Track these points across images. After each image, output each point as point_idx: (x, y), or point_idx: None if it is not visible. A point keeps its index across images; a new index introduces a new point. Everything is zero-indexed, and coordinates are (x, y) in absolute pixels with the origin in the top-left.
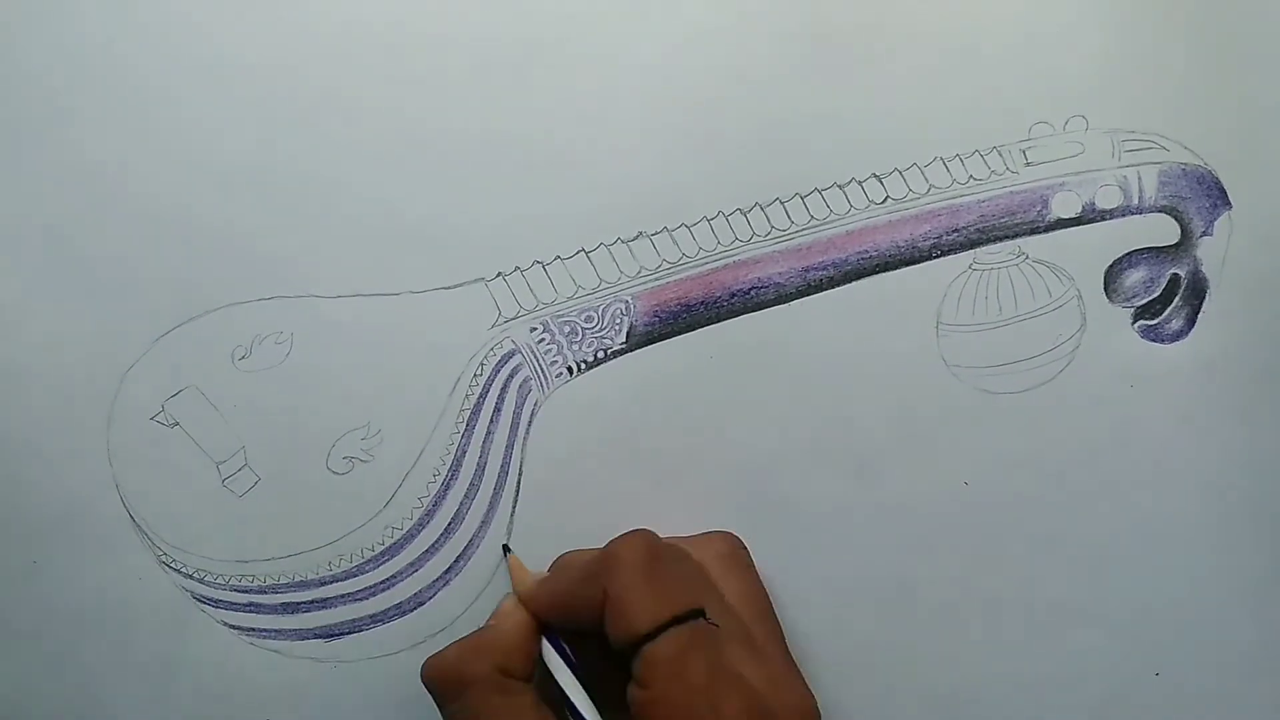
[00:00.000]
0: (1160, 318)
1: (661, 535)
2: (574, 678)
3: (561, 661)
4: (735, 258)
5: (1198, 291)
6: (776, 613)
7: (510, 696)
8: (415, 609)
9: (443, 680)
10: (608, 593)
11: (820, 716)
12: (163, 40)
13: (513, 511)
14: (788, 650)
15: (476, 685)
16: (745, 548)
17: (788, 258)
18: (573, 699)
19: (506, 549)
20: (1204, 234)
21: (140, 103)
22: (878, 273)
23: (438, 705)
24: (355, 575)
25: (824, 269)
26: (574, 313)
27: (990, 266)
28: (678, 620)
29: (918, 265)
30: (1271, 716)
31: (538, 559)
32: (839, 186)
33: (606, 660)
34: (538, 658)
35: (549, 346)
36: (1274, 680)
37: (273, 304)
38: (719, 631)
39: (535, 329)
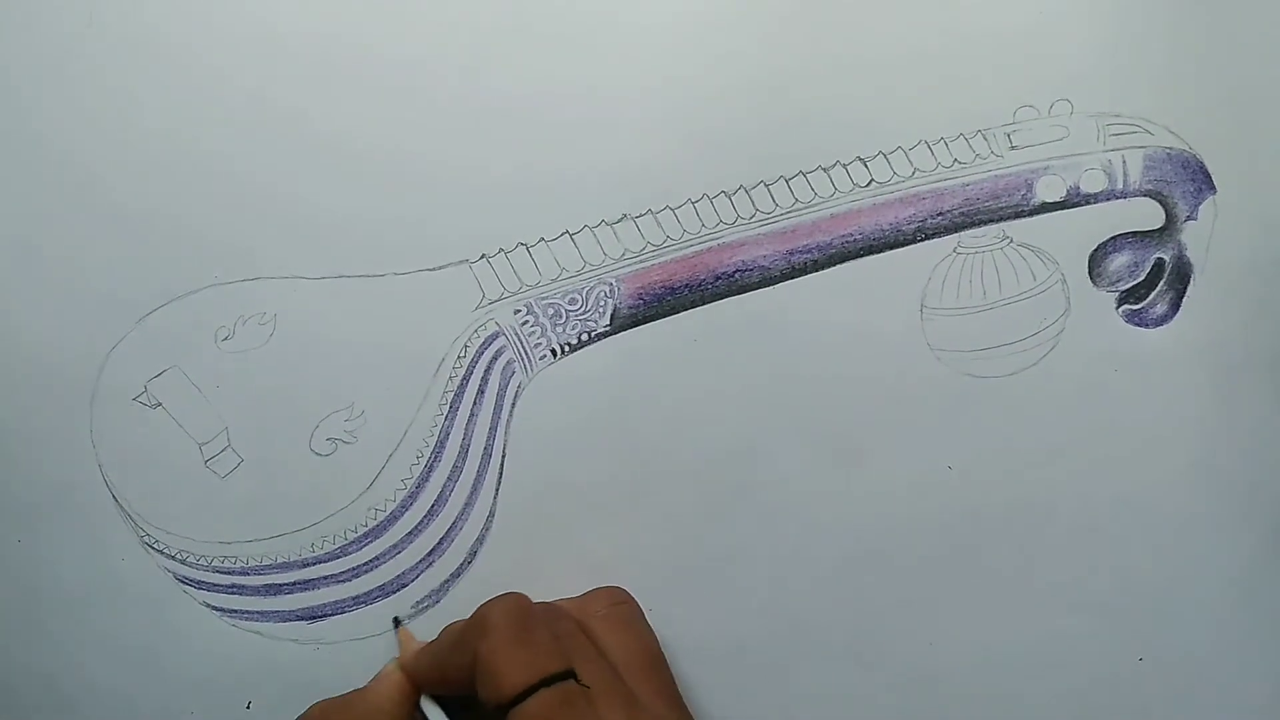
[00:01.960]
0: (1145, 302)
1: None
2: None
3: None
4: (720, 240)
5: (1182, 276)
6: (670, 666)
7: None
8: (398, 591)
9: None
10: (478, 656)
11: None
12: (144, 20)
13: (496, 494)
14: (680, 704)
15: None
16: (632, 601)
17: (772, 241)
18: None
19: (397, 621)
20: (1189, 218)
21: (125, 84)
22: (862, 256)
23: None
24: (338, 557)
25: (808, 252)
26: (558, 295)
27: (975, 250)
28: (546, 682)
29: (902, 249)
30: (1254, 702)
31: (521, 541)
32: (824, 170)
33: None
34: None
35: (533, 329)
36: (1258, 666)
37: (256, 285)
38: (589, 693)
39: (519, 311)
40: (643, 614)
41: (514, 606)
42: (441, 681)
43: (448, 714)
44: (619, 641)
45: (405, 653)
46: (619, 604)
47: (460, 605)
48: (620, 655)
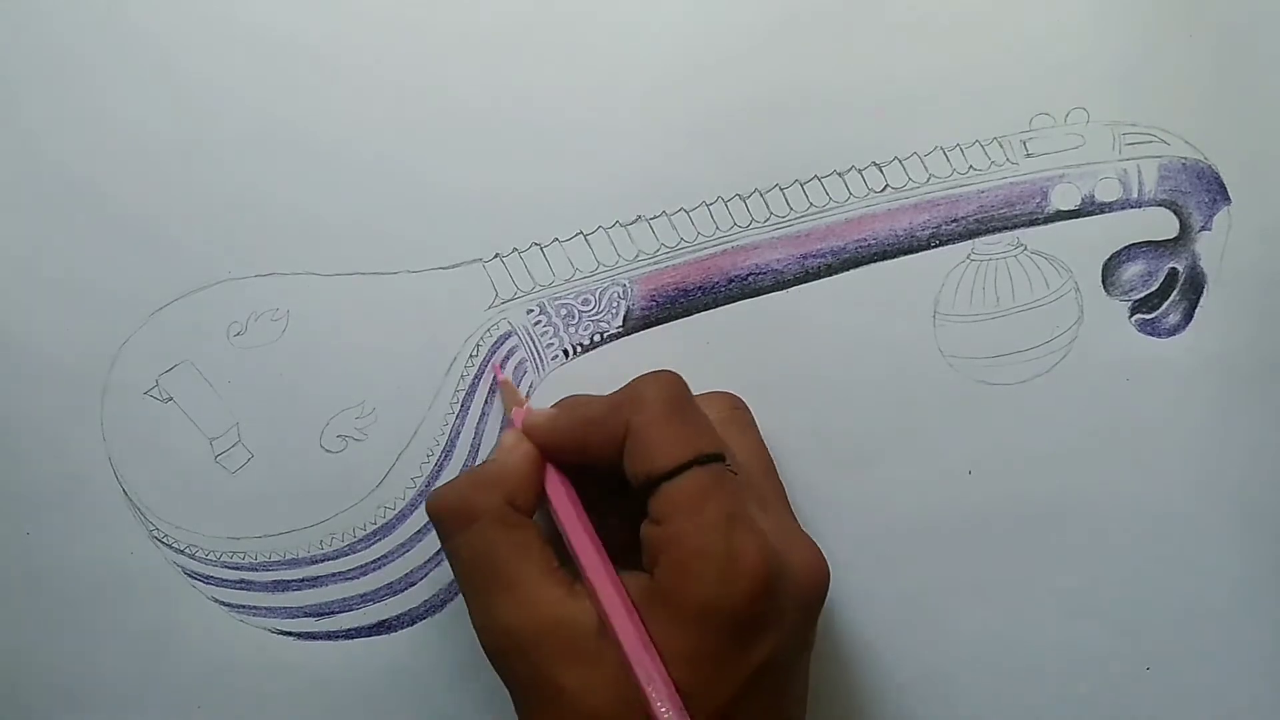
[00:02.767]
0: (1158, 312)
1: None
2: (578, 513)
3: (566, 497)
4: (733, 243)
5: (1195, 286)
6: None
7: (517, 531)
8: (406, 589)
9: (450, 512)
10: (630, 427)
11: (829, 578)
12: (161, 18)
13: None
14: (791, 510)
15: (484, 518)
16: (746, 407)
17: (786, 244)
18: (573, 538)
19: (497, 372)
20: (1203, 229)
21: (140, 80)
22: (876, 261)
23: (442, 538)
24: (347, 554)
25: (822, 256)
26: (571, 296)
27: (988, 257)
28: (699, 461)
29: (916, 254)
30: (1262, 713)
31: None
32: (839, 174)
33: (607, 501)
34: (543, 498)
35: (545, 329)
36: (1266, 677)
37: (270, 281)
38: (736, 479)
39: (532, 311)
40: (755, 422)
41: (670, 383)
42: (580, 452)
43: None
44: (742, 441)
45: (528, 413)
46: (738, 408)
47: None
48: (744, 455)
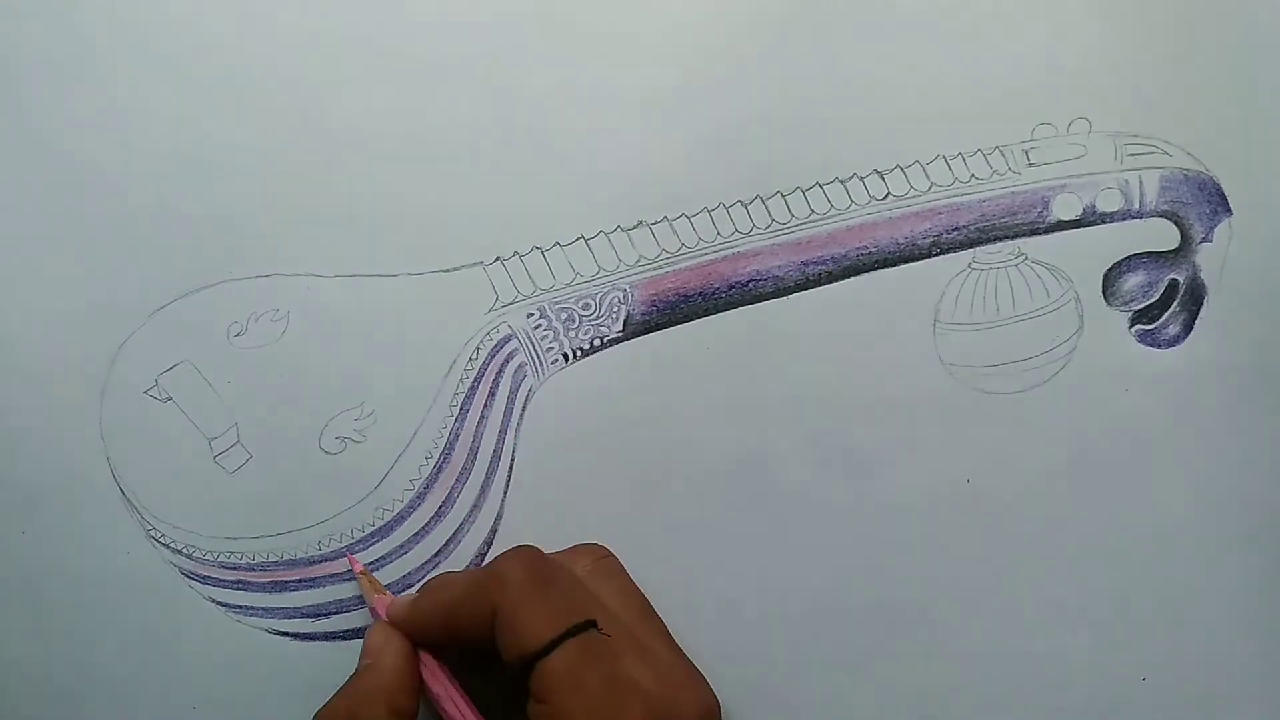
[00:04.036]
0: (1158, 322)
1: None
2: (461, 698)
3: (446, 684)
4: (734, 249)
5: (1196, 297)
6: (660, 614)
7: None
8: (403, 591)
9: None
10: (499, 609)
11: (720, 710)
12: (164, 16)
13: (504, 497)
14: (677, 647)
15: None
16: (613, 555)
17: (787, 251)
18: None
19: (353, 564)
20: (1204, 240)
21: (143, 78)
22: (876, 269)
23: None
24: (345, 555)
25: (823, 263)
26: (571, 300)
27: (989, 266)
28: (571, 633)
29: (917, 263)
30: None
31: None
32: (840, 181)
33: (484, 679)
34: (421, 692)
35: (545, 333)
36: (1263, 687)
37: (270, 282)
38: (611, 641)
39: (532, 315)
40: (623, 570)
41: (530, 559)
42: (448, 636)
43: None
44: (611, 591)
45: (390, 607)
46: (602, 558)
47: None
48: (616, 605)
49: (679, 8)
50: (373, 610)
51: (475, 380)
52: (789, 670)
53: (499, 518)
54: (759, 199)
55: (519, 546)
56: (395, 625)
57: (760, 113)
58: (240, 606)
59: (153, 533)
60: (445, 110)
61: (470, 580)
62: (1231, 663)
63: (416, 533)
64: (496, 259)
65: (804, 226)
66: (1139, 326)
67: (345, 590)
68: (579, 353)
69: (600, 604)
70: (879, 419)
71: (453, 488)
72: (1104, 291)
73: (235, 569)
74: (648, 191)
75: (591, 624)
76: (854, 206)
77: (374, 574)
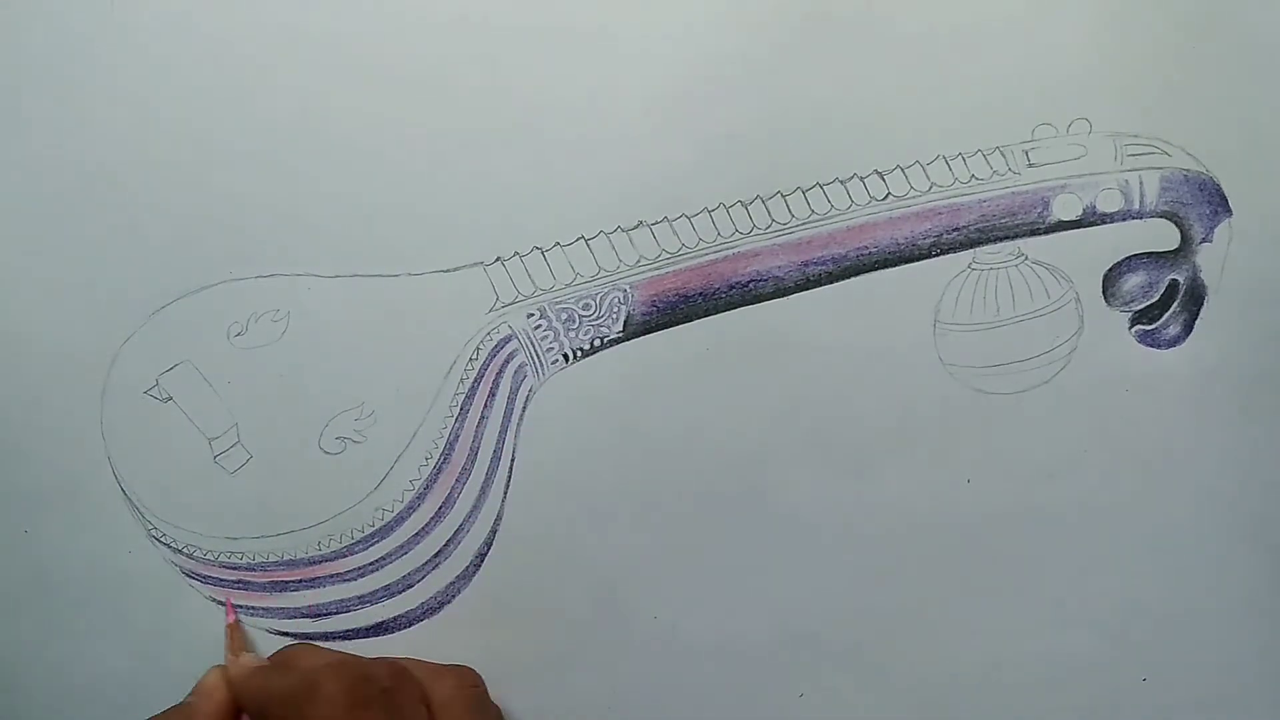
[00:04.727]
0: (1158, 323)
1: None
2: None
3: None
4: (735, 250)
5: (1196, 298)
6: None
7: None
8: (404, 591)
9: None
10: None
11: None
12: (162, 16)
13: (504, 497)
14: None
15: None
16: (483, 687)
17: (787, 251)
18: None
19: (228, 612)
20: (1204, 240)
21: (142, 79)
22: (877, 269)
23: None
24: (344, 556)
25: (823, 264)
26: (572, 300)
27: (989, 266)
28: None
29: (917, 263)
30: None
31: (529, 544)
32: (840, 181)
33: None
34: None
35: (545, 333)
36: (1264, 688)
37: (271, 282)
38: None
39: (532, 315)
40: (491, 704)
41: (350, 682)
42: (263, 717)
43: None
44: None
45: (233, 660)
46: (470, 687)
47: (466, 610)
48: None
49: (679, 9)
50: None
51: (475, 381)
52: (786, 668)
53: (499, 518)
54: (759, 199)
55: (345, 658)
56: (227, 682)
57: (760, 113)
58: (241, 606)
59: (153, 532)
60: (446, 111)
61: (292, 683)
62: (1232, 664)
63: (416, 533)
64: (497, 259)
65: (804, 227)
66: (1139, 327)
67: (346, 590)
68: (579, 353)
69: None
70: (879, 419)
71: (453, 488)
72: (1104, 292)
73: (236, 569)
74: (648, 192)
75: None
76: (854, 207)
77: (374, 574)
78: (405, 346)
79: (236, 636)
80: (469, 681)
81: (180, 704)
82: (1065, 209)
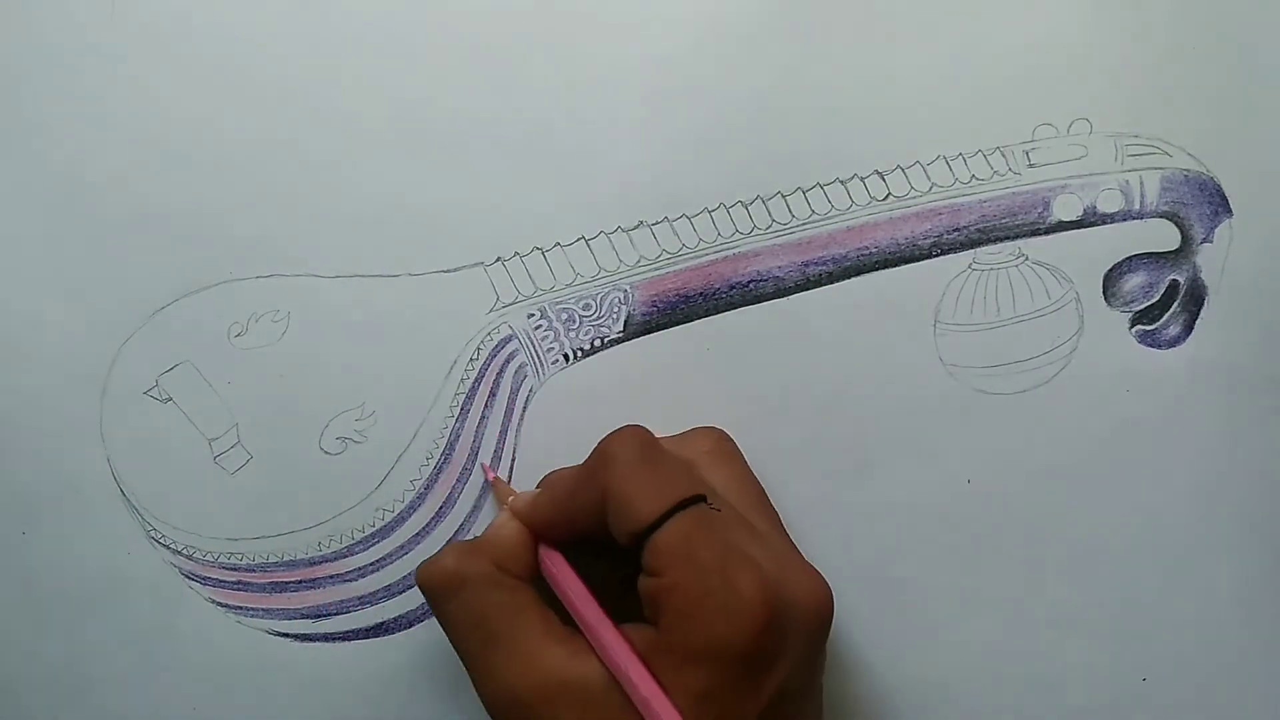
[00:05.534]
0: (1158, 323)
1: None
2: (576, 579)
3: (564, 567)
4: (735, 250)
5: (1196, 298)
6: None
7: (511, 592)
8: (404, 591)
9: (439, 578)
10: (608, 489)
11: (833, 604)
12: (163, 14)
13: None
14: (788, 535)
15: (474, 581)
16: (732, 440)
17: (787, 252)
18: (576, 601)
19: (486, 471)
20: (1204, 241)
21: (142, 77)
22: (877, 269)
23: (434, 608)
24: (345, 556)
25: (823, 264)
26: (572, 300)
27: (990, 267)
28: (681, 506)
29: (917, 263)
30: None
31: None
32: (841, 182)
33: (605, 564)
34: (537, 569)
35: (546, 333)
36: (1263, 688)
37: (271, 282)
38: (722, 515)
39: (533, 315)
40: (741, 453)
41: (636, 437)
42: (567, 525)
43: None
44: (727, 475)
45: (512, 500)
46: (722, 442)
47: None
48: (731, 490)
49: (679, 8)
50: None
51: (476, 381)
52: None
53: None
54: (759, 199)
55: (626, 426)
56: (516, 517)
57: (761, 113)
58: (241, 607)
59: (153, 533)
60: (446, 110)
61: (580, 467)
62: (1231, 663)
63: (417, 533)
64: (497, 259)
65: (804, 227)
66: (1139, 327)
67: (346, 591)
68: (580, 353)
69: (709, 486)
70: (879, 419)
71: (453, 488)
72: (1104, 292)
73: (235, 570)
74: (648, 191)
75: (702, 498)
76: (855, 207)
77: (374, 574)
78: (406, 347)
79: (501, 487)
80: (721, 437)
81: (477, 538)
82: (1066, 209)
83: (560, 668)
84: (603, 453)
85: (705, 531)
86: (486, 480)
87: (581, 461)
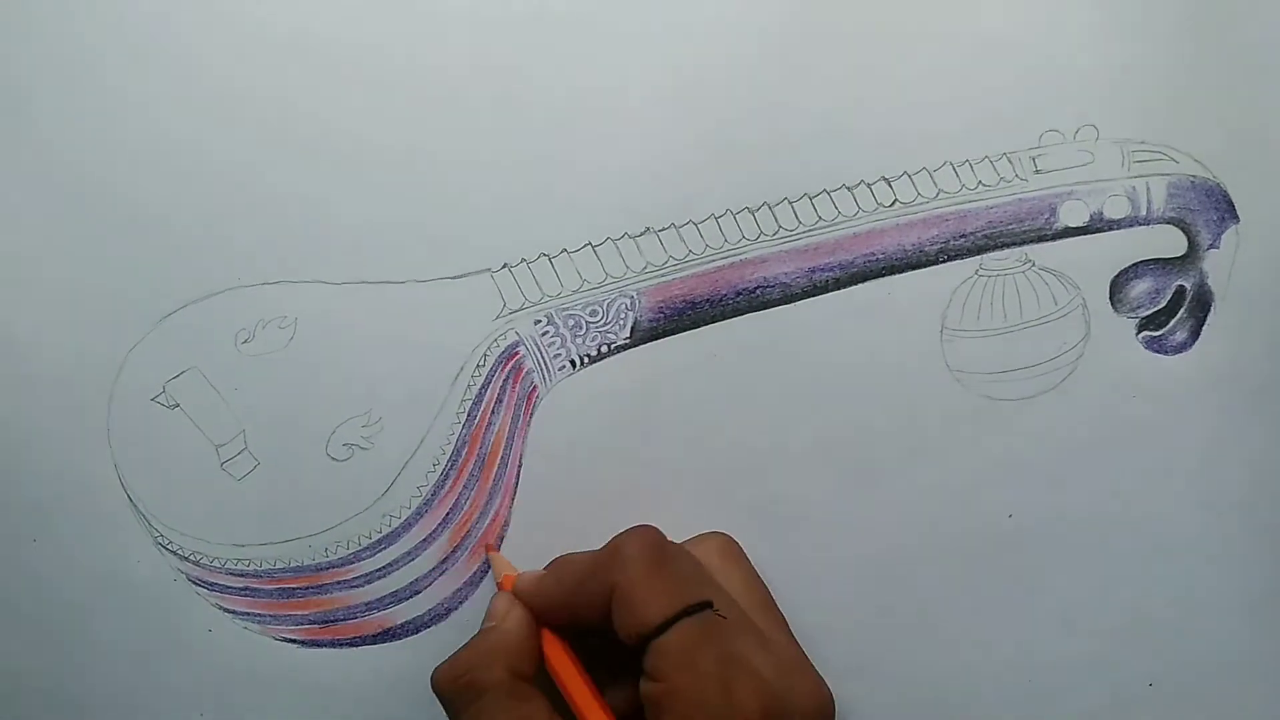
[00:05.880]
0: (1165, 329)
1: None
2: (580, 674)
3: (567, 659)
4: (742, 256)
5: (1203, 304)
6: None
7: (524, 704)
8: (411, 597)
9: (456, 688)
10: (616, 586)
11: (834, 704)
12: (170, 22)
13: (511, 504)
14: (794, 639)
15: (491, 692)
16: (738, 544)
17: (794, 258)
18: (577, 700)
19: (486, 548)
20: (1211, 247)
21: (150, 84)
22: (884, 275)
23: (449, 714)
24: (352, 562)
25: (830, 270)
26: (579, 306)
27: (996, 273)
28: (687, 612)
29: (924, 269)
30: None
31: (535, 551)
32: (847, 188)
33: (607, 656)
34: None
35: (553, 339)
36: (1268, 693)
37: (278, 288)
38: (728, 623)
39: (539, 321)
40: (746, 556)
41: (650, 538)
42: (569, 614)
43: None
44: (736, 577)
45: (516, 581)
46: (730, 544)
47: (474, 614)
48: (739, 592)
49: (686, 16)
50: (499, 585)
51: (483, 387)
52: None
53: (506, 525)
54: (766, 206)
55: (639, 526)
56: (520, 598)
57: (768, 120)
58: (248, 614)
59: (160, 540)
60: (453, 118)
61: (591, 558)
62: (1238, 669)
63: (424, 539)
64: (504, 266)
65: (811, 233)
66: (1146, 333)
67: (353, 597)
68: (586, 359)
69: (720, 588)
70: (886, 426)
71: (460, 495)
72: (1111, 298)
73: (243, 576)
74: (655, 198)
75: (708, 604)
76: (861, 213)
77: (381, 580)
78: (412, 353)
79: (500, 561)
80: (727, 540)
81: (478, 633)
82: (1072, 215)
83: None
84: (614, 550)
85: (708, 639)
86: (486, 557)
87: (589, 550)
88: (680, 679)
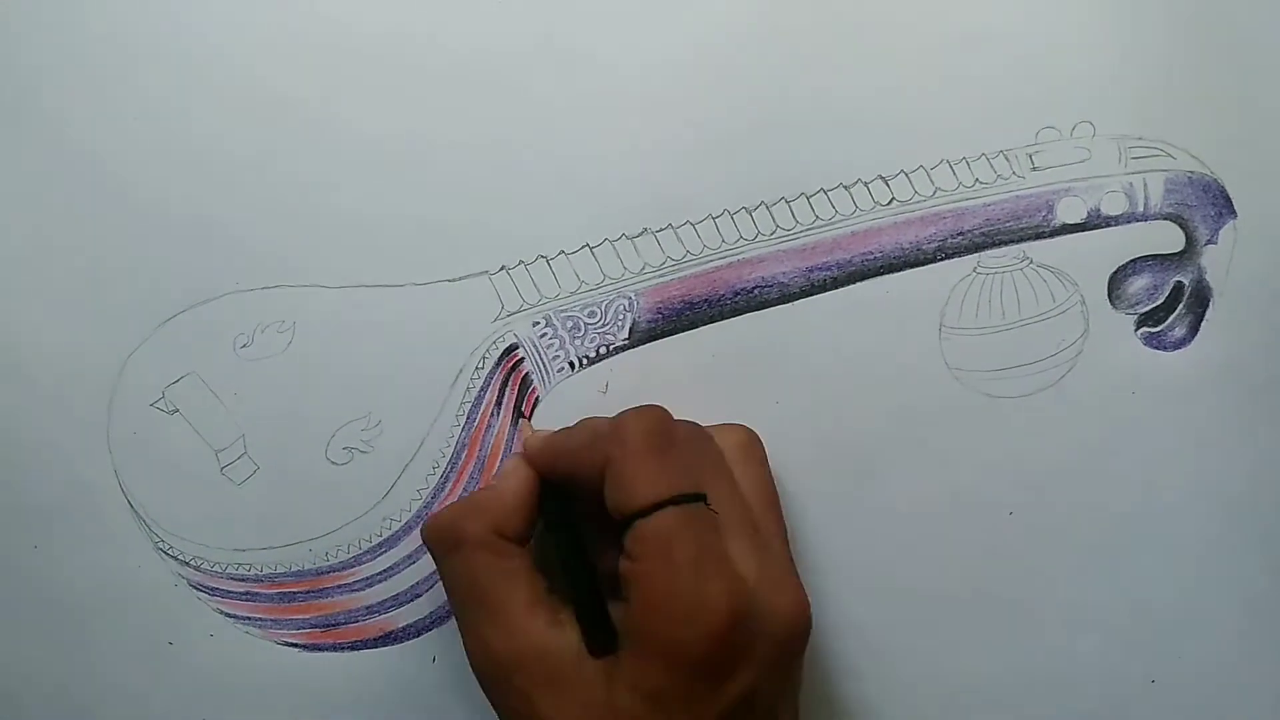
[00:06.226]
0: (1163, 325)
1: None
2: (574, 542)
3: (563, 526)
4: (739, 256)
5: (1201, 300)
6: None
7: (503, 558)
8: (412, 600)
9: (439, 537)
10: (610, 460)
11: (810, 622)
12: (171, 25)
13: None
14: (789, 550)
15: (469, 544)
16: (760, 442)
17: (792, 257)
18: (569, 564)
19: (520, 415)
20: (1209, 242)
21: (149, 89)
22: (882, 274)
23: (435, 561)
24: (352, 566)
25: (828, 269)
26: (577, 308)
27: (994, 270)
28: (675, 500)
29: (922, 268)
30: None
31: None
32: (844, 187)
33: (606, 528)
34: (537, 519)
35: (551, 341)
36: (1271, 691)
37: (276, 293)
38: (717, 519)
39: (538, 323)
40: (766, 456)
41: (655, 419)
42: (568, 475)
43: (568, 509)
44: (748, 474)
45: (529, 437)
46: (753, 440)
47: None
48: (750, 488)
49: (682, 15)
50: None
51: (481, 389)
52: None
53: None
54: (764, 205)
55: (649, 406)
56: (526, 453)
57: (764, 119)
58: (249, 618)
59: (161, 545)
60: (450, 120)
61: (596, 425)
62: (1239, 666)
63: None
64: (502, 268)
65: (809, 232)
66: (1145, 329)
67: (354, 600)
68: (585, 361)
69: (729, 483)
70: (885, 424)
71: (460, 497)
72: (1109, 294)
73: (243, 580)
74: (652, 199)
75: (700, 497)
76: (859, 212)
77: (382, 584)
78: (411, 356)
79: (528, 429)
80: (752, 438)
81: (481, 488)
82: (1070, 212)
83: (537, 636)
84: (619, 423)
85: (690, 529)
86: (517, 426)
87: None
88: (654, 564)
